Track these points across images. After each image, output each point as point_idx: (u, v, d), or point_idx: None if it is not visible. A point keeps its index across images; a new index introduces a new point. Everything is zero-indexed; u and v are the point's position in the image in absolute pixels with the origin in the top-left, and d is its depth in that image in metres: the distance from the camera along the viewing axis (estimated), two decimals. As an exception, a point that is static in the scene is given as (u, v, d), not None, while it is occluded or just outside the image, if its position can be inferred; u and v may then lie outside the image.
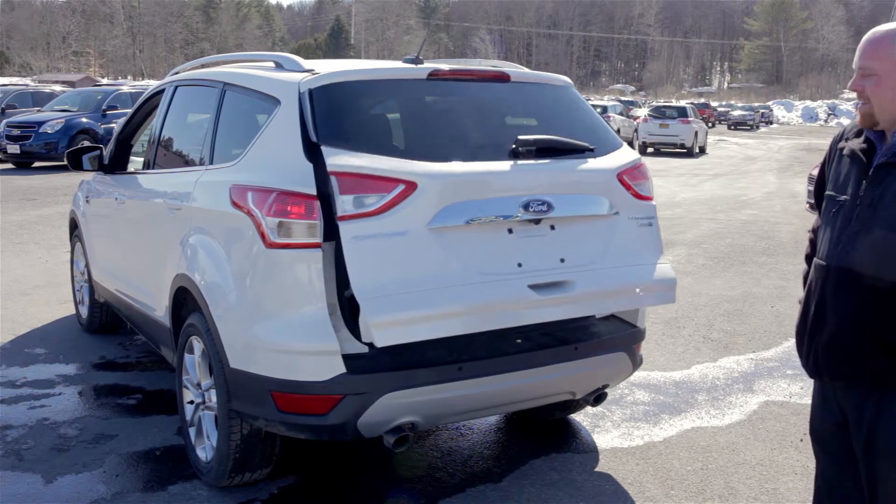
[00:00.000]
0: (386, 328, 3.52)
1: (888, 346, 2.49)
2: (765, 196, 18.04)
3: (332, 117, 3.87)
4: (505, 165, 3.98)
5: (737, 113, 61.15)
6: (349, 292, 3.63)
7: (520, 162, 4.01)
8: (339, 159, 3.68)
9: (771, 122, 68.52)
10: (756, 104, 75.08)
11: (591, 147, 4.28)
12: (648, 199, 4.38)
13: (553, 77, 4.66)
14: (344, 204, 3.61)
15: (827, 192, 2.73)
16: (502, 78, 4.41)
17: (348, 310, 3.74)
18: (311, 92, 3.94)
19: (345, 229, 3.58)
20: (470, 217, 3.79)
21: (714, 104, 71.52)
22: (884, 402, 2.55)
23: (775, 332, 7.27)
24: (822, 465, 2.88)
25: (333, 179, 3.63)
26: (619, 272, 4.14)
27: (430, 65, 4.34)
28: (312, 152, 3.77)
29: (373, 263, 3.61)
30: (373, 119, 4.27)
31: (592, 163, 4.24)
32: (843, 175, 2.66)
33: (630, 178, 4.30)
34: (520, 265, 3.89)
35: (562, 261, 4.00)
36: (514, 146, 4.03)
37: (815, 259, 2.71)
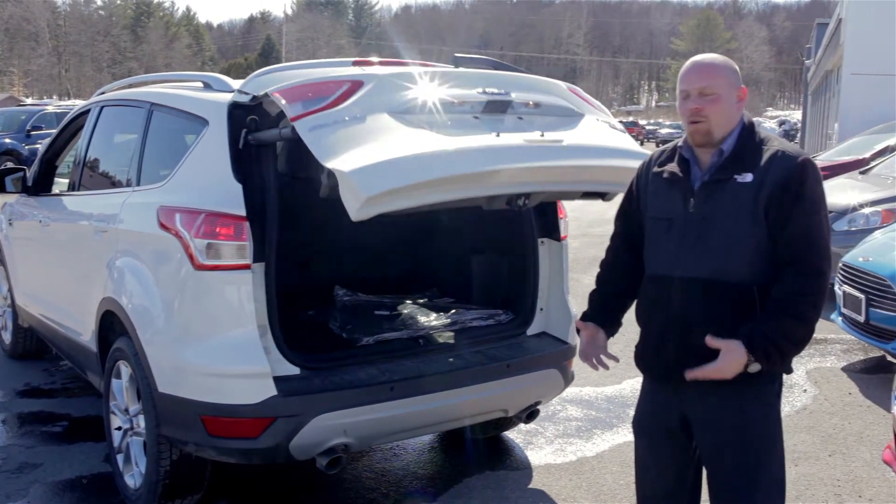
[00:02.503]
0: (377, 198, 3.16)
1: None
2: (693, 212, 18.35)
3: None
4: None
5: (664, 131, 62.17)
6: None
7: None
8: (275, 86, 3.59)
9: (698, 140, 69.81)
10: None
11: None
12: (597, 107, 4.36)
13: None
14: (293, 108, 3.42)
15: (650, 215, 2.93)
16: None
17: (280, 331, 3.72)
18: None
19: (300, 125, 3.35)
20: (431, 104, 3.60)
21: (642, 122, 72.65)
22: (734, 400, 2.76)
23: (704, 346, 7.38)
24: (646, 468, 3.05)
25: (277, 97, 3.50)
26: (596, 142, 3.96)
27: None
28: (241, 167, 3.76)
29: (339, 144, 3.29)
30: None
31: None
32: (664, 197, 2.89)
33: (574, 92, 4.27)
34: (498, 135, 3.60)
35: (541, 134, 3.73)
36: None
37: (648, 273, 2.91)
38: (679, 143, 2.92)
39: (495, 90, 3.75)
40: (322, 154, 3.23)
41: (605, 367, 3.10)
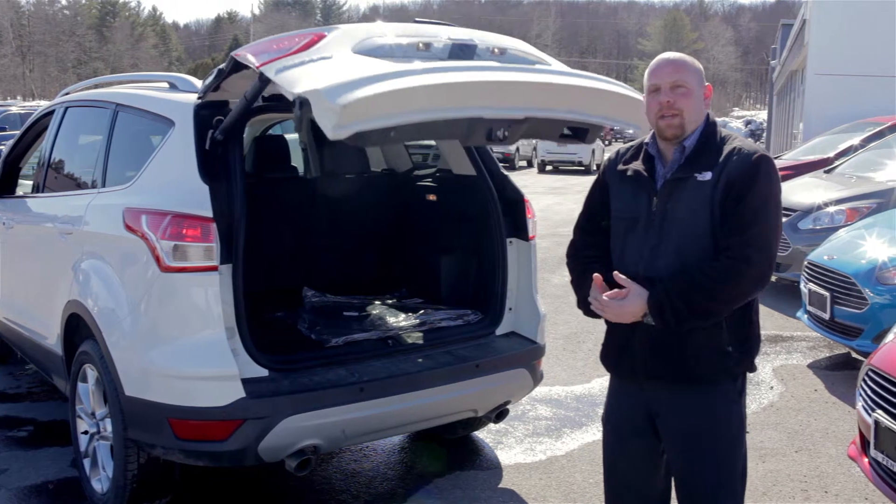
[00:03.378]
0: (353, 107, 2.98)
1: (698, 345, 2.77)
2: (660, 212, 18.46)
3: None
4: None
5: (632, 131, 62.40)
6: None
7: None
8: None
9: (665, 140, 70.26)
10: (651, 122, 76.87)
11: None
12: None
13: None
14: (260, 58, 3.38)
15: (615, 214, 2.96)
16: None
17: (248, 332, 3.70)
18: None
19: (267, 69, 3.30)
20: (397, 46, 3.55)
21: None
22: (698, 398, 2.82)
23: (672, 344, 7.44)
24: (614, 466, 3.08)
25: (243, 55, 3.48)
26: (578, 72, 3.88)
27: None
28: (208, 168, 3.74)
29: (307, 75, 3.19)
30: None
31: None
32: (629, 195, 2.91)
33: None
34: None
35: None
36: None
37: (615, 273, 2.85)
38: (646, 140, 2.95)
39: (460, 37, 3.69)
40: (291, 85, 3.14)
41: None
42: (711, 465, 2.85)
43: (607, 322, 2.97)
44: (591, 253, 3.04)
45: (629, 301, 2.75)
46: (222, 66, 3.72)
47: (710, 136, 2.83)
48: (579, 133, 3.83)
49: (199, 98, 3.98)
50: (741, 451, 2.91)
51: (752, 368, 2.92)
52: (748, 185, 2.70)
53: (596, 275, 2.86)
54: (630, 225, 2.89)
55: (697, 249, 2.74)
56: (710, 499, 2.88)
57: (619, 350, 2.95)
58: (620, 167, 2.98)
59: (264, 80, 3.33)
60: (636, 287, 2.75)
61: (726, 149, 2.77)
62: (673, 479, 2.98)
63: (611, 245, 2.98)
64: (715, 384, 2.82)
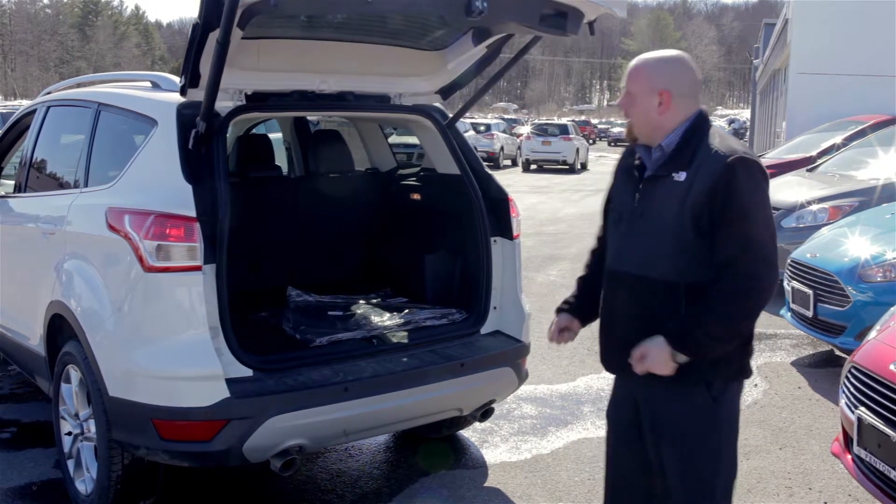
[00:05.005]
0: None
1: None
2: (645, 210, 18.49)
3: None
4: None
5: (617, 130, 62.52)
6: None
7: None
8: None
9: (649, 139, 70.31)
10: (635, 121, 76.88)
11: None
12: None
13: None
14: None
15: (611, 207, 3.04)
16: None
17: (232, 332, 3.69)
18: None
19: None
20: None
21: (595, 121, 73.05)
22: (662, 391, 2.84)
23: (656, 342, 7.46)
24: (613, 460, 3.12)
25: None
26: None
27: None
28: (191, 168, 3.72)
29: None
30: None
31: None
32: (621, 190, 2.99)
33: None
34: None
35: None
36: None
37: (604, 267, 2.98)
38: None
39: None
40: None
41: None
42: (679, 466, 2.87)
43: (600, 316, 3.03)
44: (594, 245, 3.22)
45: (652, 356, 2.72)
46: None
47: (691, 135, 2.80)
48: (558, 20, 3.75)
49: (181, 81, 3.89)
50: (713, 454, 2.87)
51: (747, 373, 2.90)
52: (730, 194, 2.67)
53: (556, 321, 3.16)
54: (617, 218, 2.95)
55: (661, 248, 2.76)
56: (677, 500, 2.89)
57: (602, 344, 3.01)
58: (622, 163, 3.05)
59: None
60: (649, 343, 2.73)
61: (703, 149, 2.74)
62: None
63: (606, 238, 3.08)
64: (684, 386, 2.80)
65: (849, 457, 3.95)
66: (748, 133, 46.43)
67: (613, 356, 2.95)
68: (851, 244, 6.53)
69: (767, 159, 13.74)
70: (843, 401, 4.04)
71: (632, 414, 2.98)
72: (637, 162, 2.92)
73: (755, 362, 6.81)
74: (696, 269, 2.73)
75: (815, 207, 9.10)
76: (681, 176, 2.74)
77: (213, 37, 3.45)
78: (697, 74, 2.93)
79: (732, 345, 2.76)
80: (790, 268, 6.93)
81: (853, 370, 4.00)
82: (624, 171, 3.00)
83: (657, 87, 2.80)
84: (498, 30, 4.20)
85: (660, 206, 2.77)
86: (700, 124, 2.83)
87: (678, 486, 2.88)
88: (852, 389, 3.94)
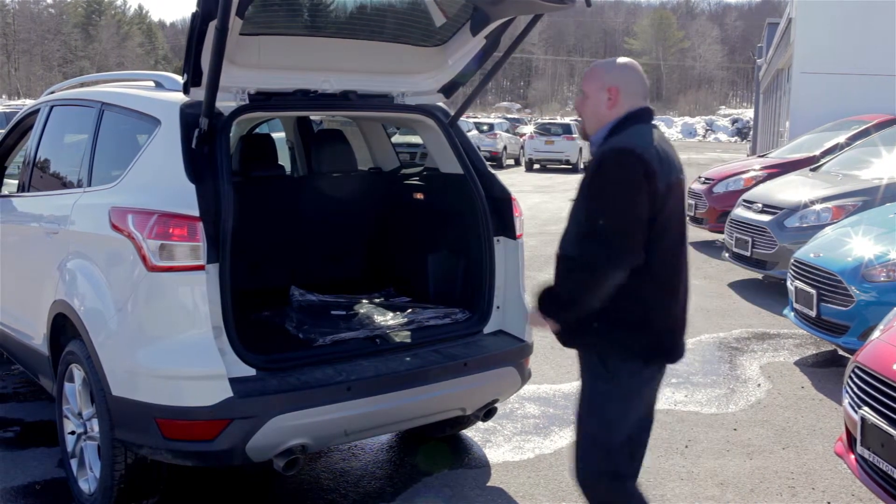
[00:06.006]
0: None
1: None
2: (648, 210, 18.48)
3: None
4: None
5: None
6: None
7: None
8: None
9: (652, 138, 70.19)
10: (638, 121, 76.75)
11: None
12: None
13: None
14: None
15: None
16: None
17: (235, 332, 3.69)
18: None
19: None
20: None
21: (598, 121, 72.91)
22: (583, 361, 3.18)
23: (659, 342, 7.46)
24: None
25: None
26: None
27: None
28: (194, 167, 3.72)
29: None
30: None
31: None
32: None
33: None
34: None
35: None
36: None
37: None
38: None
39: None
40: None
41: None
42: (579, 428, 3.20)
43: None
44: None
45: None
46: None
47: (612, 131, 3.09)
48: None
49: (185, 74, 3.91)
50: (599, 419, 3.14)
51: (630, 358, 3.08)
52: (587, 178, 3.02)
53: None
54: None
55: (568, 231, 3.10)
56: (577, 454, 3.20)
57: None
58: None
59: None
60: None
61: (608, 142, 3.05)
62: None
63: None
64: (586, 354, 3.15)
65: (852, 457, 3.95)
66: (751, 132, 46.40)
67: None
68: (855, 244, 6.52)
69: (771, 159, 13.73)
70: (846, 401, 4.04)
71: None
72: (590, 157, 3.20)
73: (758, 362, 6.82)
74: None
75: (818, 207, 9.09)
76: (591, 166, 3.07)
77: (214, 27, 3.46)
78: (645, 79, 3.23)
79: (574, 312, 3.06)
80: (793, 267, 6.93)
81: (856, 370, 4.00)
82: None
83: (607, 84, 3.13)
84: (497, 14, 4.21)
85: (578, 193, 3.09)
86: (623, 122, 3.09)
87: (578, 448, 3.19)
88: (856, 389, 3.93)
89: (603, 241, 2.91)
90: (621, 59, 3.23)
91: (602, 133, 3.12)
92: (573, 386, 6.12)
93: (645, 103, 3.16)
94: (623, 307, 3.01)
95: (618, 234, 2.91)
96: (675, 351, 3.20)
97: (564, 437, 5.24)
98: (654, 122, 3.16)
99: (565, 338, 3.18)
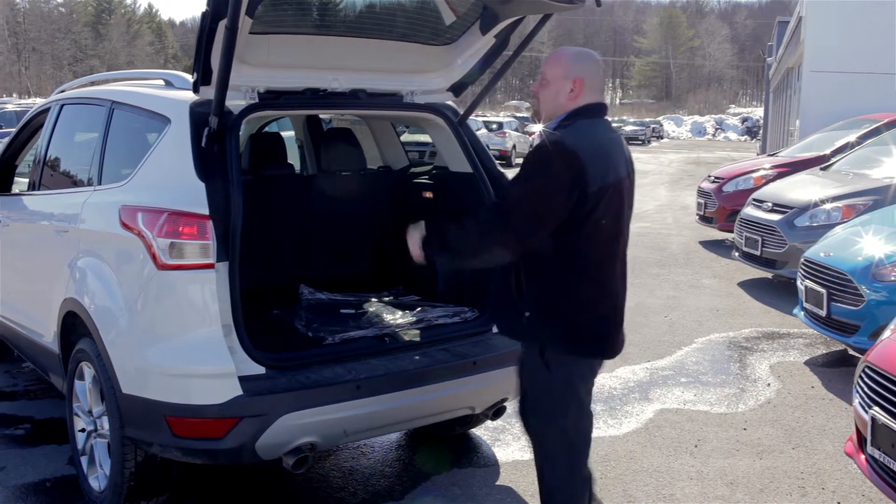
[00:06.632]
0: None
1: (501, 303, 3.41)
2: (657, 209, 18.50)
3: None
4: None
5: (629, 128, 62.27)
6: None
7: None
8: None
9: (662, 137, 70.21)
10: (647, 119, 76.60)
11: None
12: None
13: None
14: None
15: None
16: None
17: (244, 330, 3.70)
18: None
19: None
20: None
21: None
22: (525, 350, 3.34)
23: (669, 341, 7.45)
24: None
25: None
26: None
27: None
28: (204, 166, 3.72)
29: None
30: None
31: None
32: None
33: None
34: None
35: None
36: None
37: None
38: None
39: None
40: None
41: None
42: (525, 414, 3.40)
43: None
44: None
45: (410, 235, 3.33)
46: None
47: (562, 123, 3.18)
48: None
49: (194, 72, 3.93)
50: (546, 421, 3.30)
51: (565, 351, 3.21)
52: (526, 157, 3.14)
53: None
54: None
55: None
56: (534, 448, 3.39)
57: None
58: None
59: None
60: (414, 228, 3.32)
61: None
62: None
63: None
64: (525, 344, 3.31)
65: (862, 457, 3.93)
66: (761, 131, 46.26)
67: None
68: (865, 243, 6.50)
69: (781, 158, 13.69)
70: (856, 400, 4.02)
71: None
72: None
73: (768, 361, 6.81)
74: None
75: (828, 206, 9.06)
76: None
77: (223, 26, 3.47)
78: (603, 74, 3.35)
79: (445, 257, 3.38)
80: (804, 267, 6.91)
81: (867, 370, 3.98)
82: None
83: (573, 75, 3.18)
84: (507, 13, 4.21)
85: None
86: (573, 115, 3.18)
87: (535, 448, 3.40)
88: (866, 389, 3.92)
89: (508, 214, 3.11)
90: (587, 51, 3.32)
91: (555, 123, 3.19)
92: (582, 385, 6.10)
93: (601, 98, 3.25)
94: (555, 301, 3.16)
95: (525, 215, 3.07)
96: (608, 346, 3.29)
97: (573, 436, 5.23)
98: (606, 119, 3.28)
99: (504, 325, 3.48)
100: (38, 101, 22.01)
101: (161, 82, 4.58)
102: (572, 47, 3.35)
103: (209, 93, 3.79)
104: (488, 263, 3.28)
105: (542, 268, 3.16)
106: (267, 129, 6.86)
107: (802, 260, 6.97)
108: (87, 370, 4.19)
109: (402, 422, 4.27)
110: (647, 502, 4.40)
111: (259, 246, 4.76)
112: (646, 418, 5.58)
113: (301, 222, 5.46)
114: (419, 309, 4.68)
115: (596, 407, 5.71)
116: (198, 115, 3.91)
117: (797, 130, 21.32)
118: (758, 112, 75.10)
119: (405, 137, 12.41)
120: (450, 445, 5.09)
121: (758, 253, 9.63)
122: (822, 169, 10.87)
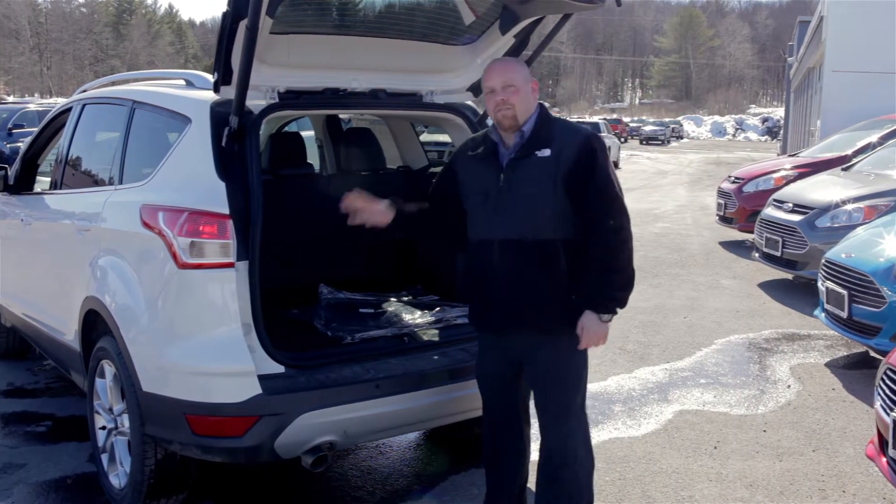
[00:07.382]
0: None
1: (548, 297, 3.41)
2: (676, 209, 18.44)
3: None
4: None
5: (648, 128, 62.24)
6: None
7: None
8: None
9: (681, 137, 69.97)
10: (667, 119, 76.48)
11: None
12: None
13: None
14: None
15: (467, 191, 3.58)
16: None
17: (264, 329, 3.71)
18: None
19: None
20: None
21: (626, 119, 72.55)
22: (550, 342, 3.48)
23: (688, 342, 7.42)
24: (491, 406, 3.75)
25: None
26: None
27: None
28: (224, 165, 3.74)
29: None
30: None
31: None
32: (479, 175, 3.53)
33: None
34: None
35: None
36: None
37: (472, 239, 3.58)
38: (489, 131, 3.57)
39: None
40: None
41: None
42: (561, 399, 3.55)
43: (470, 284, 3.63)
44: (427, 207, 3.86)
45: (591, 331, 3.41)
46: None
47: (544, 120, 3.48)
48: None
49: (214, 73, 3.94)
50: (577, 386, 3.60)
51: (574, 327, 3.44)
52: (592, 163, 3.34)
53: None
54: (482, 199, 3.48)
55: (539, 213, 3.37)
56: (565, 420, 3.56)
57: (486, 306, 3.55)
58: (470, 153, 3.60)
59: None
60: (582, 323, 3.40)
61: (556, 129, 3.44)
62: (535, 408, 3.65)
63: (467, 219, 3.59)
64: (560, 337, 3.46)
65: (883, 459, 3.91)
66: (782, 131, 46.00)
67: (494, 317, 3.52)
68: (887, 244, 6.45)
69: (802, 158, 13.61)
70: (878, 403, 4.00)
71: (508, 368, 3.61)
72: (491, 149, 3.50)
73: (789, 363, 6.78)
74: (568, 226, 3.38)
75: (850, 207, 9.00)
76: (545, 152, 3.38)
77: (244, 26, 3.48)
78: None
79: (631, 289, 3.40)
80: (825, 268, 6.87)
81: (888, 372, 3.95)
82: (474, 161, 3.56)
83: (528, 78, 3.50)
84: (526, 13, 4.21)
85: (531, 180, 3.37)
86: (546, 112, 3.53)
87: (555, 416, 3.56)
88: (887, 391, 3.89)
89: (623, 211, 3.38)
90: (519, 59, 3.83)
91: (531, 124, 3.47)
92: (601, 385, 6.10)
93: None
94: (579, 280, 3.41)
95: (625, 203, 3.42)
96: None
97: (592, 437, 5.21)
98: None
99: (552, 325, 3.50)
100: (59, 101, 22.14)
101: (182, 82, 4.60)
102: (504, 58, 3.87)
103: (230, 92, 3.80)
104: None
105: (580, 249, 3.41)
106: (287, 128, 6.87)
107: (823, 261, 6.92)
108: (108, 368, 4.21)
109: (421, 421, 4.28)
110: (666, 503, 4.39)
111: (279, 245, 4.77)
112: (665, 419, 5.56)
113: (320, 222, 5.46)
114: (438, 309, 4.68)
115: (615, 408, 5.71)
116: (218, 115, 3.92)
117: (818, 130, 21.21)
118: (778, 112, 74.73)
119: (424, 137, 12.42)
120: (468, 445, 5.08)
121: (778, 254, 9.58)
122: (843, 169, 10.81)
